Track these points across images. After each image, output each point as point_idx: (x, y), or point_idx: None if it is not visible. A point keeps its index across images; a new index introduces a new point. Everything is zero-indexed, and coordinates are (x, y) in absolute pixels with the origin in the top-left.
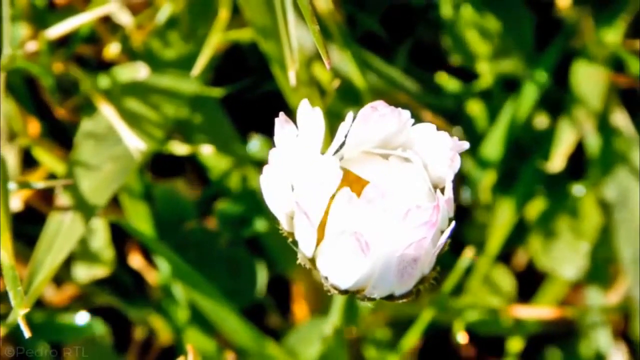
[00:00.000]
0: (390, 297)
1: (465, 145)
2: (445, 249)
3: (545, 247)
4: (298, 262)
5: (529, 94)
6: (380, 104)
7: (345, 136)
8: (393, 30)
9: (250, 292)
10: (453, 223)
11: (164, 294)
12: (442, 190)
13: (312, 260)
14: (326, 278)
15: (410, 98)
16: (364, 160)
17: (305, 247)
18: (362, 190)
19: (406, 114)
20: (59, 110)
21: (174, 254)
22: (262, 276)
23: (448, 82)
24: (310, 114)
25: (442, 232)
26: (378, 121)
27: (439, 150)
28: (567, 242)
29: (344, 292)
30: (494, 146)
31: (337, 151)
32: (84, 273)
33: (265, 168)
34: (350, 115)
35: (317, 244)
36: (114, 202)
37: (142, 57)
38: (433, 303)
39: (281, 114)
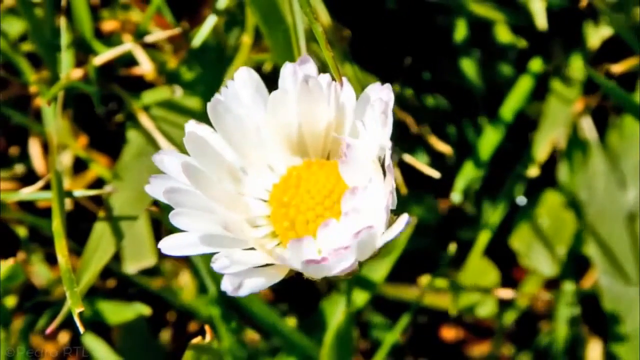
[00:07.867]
0: (332, 276)
1: (391, 96)
2: (394, 228)
3: (527, 248)
4: None
5: (511, 108)
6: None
7: None
8: (392, 47)
9: None
10: (391, 199)
11: (196, 280)
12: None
13: None
14: None
15: (407, 114)
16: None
17: None
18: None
19: (324, 77)
20: (109, 125)
21: None
22: None
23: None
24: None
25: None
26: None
27: (370, 109)
28: (546, 244)
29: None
30: (480, 154)
31: None
32: (131, 265)
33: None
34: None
35: None
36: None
37: (176, 79)
38: (425, 289)
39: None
